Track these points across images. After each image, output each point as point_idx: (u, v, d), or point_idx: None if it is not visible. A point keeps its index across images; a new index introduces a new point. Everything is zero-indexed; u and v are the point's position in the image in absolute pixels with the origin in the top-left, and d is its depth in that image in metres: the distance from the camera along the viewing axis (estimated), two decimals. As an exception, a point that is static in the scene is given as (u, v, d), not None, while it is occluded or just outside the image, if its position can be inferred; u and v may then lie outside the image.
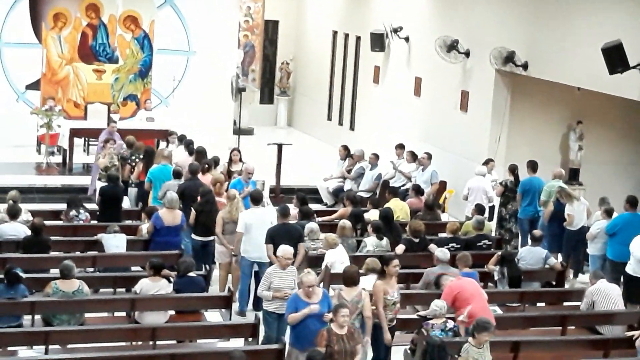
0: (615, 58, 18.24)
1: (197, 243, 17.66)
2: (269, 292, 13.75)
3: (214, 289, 17.24)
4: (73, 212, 18.57)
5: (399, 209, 18.99)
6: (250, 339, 14.10)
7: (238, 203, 17.50)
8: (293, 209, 18.38)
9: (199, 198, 17.93)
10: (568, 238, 19.24)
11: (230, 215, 17.13)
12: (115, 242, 16.83)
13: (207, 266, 17.52)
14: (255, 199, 17.25)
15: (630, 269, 16.65)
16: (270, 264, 15.68)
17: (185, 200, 18.03)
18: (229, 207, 17.34)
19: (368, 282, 14.32)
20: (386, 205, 19.08)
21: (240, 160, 20.94)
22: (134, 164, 20.89)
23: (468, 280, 14.38)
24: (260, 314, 14.70)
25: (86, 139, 25.56)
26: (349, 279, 13.45)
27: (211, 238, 17.66)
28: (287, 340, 13.52)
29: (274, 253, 15.37)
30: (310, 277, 12.88)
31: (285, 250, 14.12)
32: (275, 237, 16.05)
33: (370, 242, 17.31)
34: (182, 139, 22.71)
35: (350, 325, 11.73)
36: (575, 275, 18.99)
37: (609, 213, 18.19)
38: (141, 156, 20.96)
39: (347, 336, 11.43)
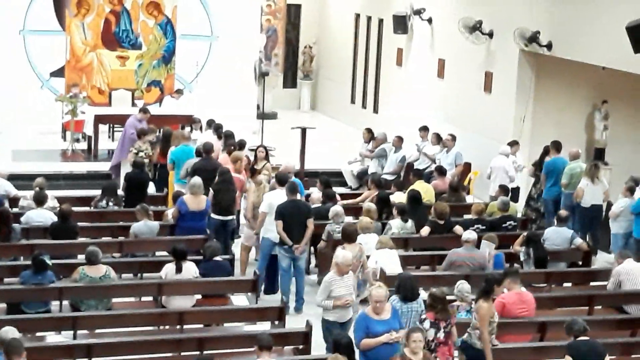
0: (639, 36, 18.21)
1: (217, 222, 17.64)
2: (330, 302, 13.11)
3: (238, 272, 17.28)
4: (102, 203, 18.70)
5: (424, 191, 18.96)
6: (276, 322, 14.15)
7: (265, 188, 17.56)
8: (317, 192, 18.44)
9: (216, 177, 17.94)
10: (580, 215, 19.32)
11: (259, 200, 17.20)
12: (146, 230, 16.95)
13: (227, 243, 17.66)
14: (281, 180, 17.17)
15: (656, 248, 16.66)
16: (282, 243, 16.00)
17: (199, 176, 17.97)
18: (258, 191, 17.40)
19: (364, 240, 15.25)
20: (411, 188, 19.05)
21: (266, 157, 20.57)
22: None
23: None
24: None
25: (111, 125, 25.62)
26: (350, 235, 14.78)
27: (230, 217, 17.79)
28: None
29: (283, 229, 15.83)
30: (381, 290, 12.00)
31: (344, 256, 13.48)
32: (284, 214, 16.14)
33: (395, 225, 17.33)
34: (210, 124, 22.77)
35: (425, 352, 11.11)
36: (595, 254, 18.89)
37: (631, 190, 18.20)
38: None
39: None
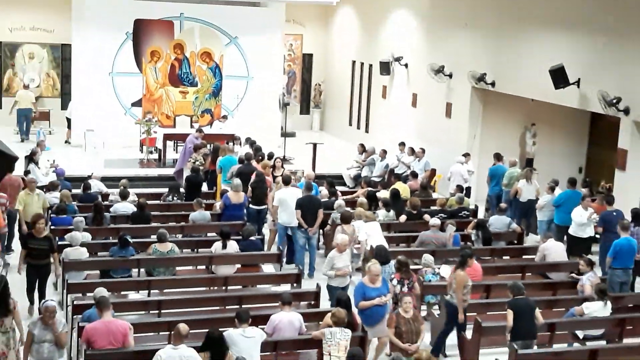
0: (559, 77, 18.21)
1: (253, 210, 17.62)
2: (332, 272, 13.11)
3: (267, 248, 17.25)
4: (169, 198, 18.78)
5: (402, 189, 18.93)
6: (295, 284, 14.18)
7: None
8: (324, 190, 18.43)
9: (252, 177, 17.97)
10: (517, 207, 19.25)
11: None
12: (200, 217, 16.94)
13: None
14: (285, 181, 17.20)
15: (572, 230, 16.60)
16: (300, 226, 16.01)
17: (241, 178, 18.07)
18: (277, 189, 17.40)
19: (357, 224, 15.40)
20: (393, 187, 19.04)
21: (282, 166, 20.32)
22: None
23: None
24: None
25: (175, 141, 25.62)
26: (347, 219, 15.21)
27: (263, 207, 17.72)
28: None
29: (301, 216, 15.98)
30: (378, 266, 11.98)
31: (342, 239, 13.55)
32: (302, 205, 16.19)
33: (381, 214, 17.42)
34: (247, 140, 22.82)
35: (415, 310, 11.02)
36: (527, 235, 18.84)
37: (552, 189, 18.22)
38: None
39: (412, 319, 10.78)
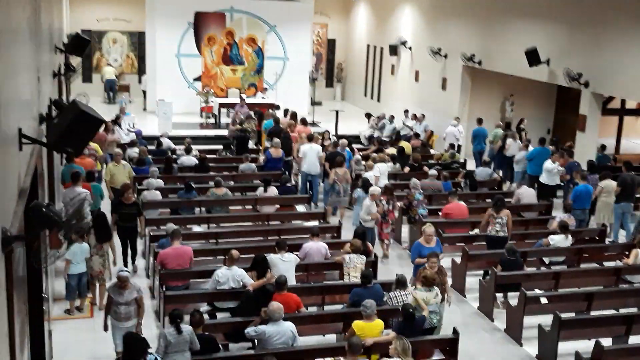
0: (533, 57, 17.98)
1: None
2: (368, 217, 12.92)
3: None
4: (223, 153, 18.81)
5: (406, 147, 18.88)
6: (321, 221, 14.23)
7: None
8: (357, 155, 18.04)
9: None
10: (503, 161, 19.12)
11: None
12: (247, 168, 16.97)
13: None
14: (309, 137, 17.15)
15: (542, 179, 16.48)
16: (325, 175, 15.92)
17: (271, 136, 18.07)
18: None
19: (377, 166, 15.74)
20: (399, 145, 18.98)
21: (329, 138, 18.81)
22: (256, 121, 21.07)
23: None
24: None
25: (228, 108, 25.63)
26: (340, 164, 15.38)
27: (289, 158, 17.67)
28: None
29: (330, 168, 15.78)
30: (431, 229, 10.96)
31: (375, 189, 13.24)
32: (329, 159, 16.20)
33: (389, 166, 17.26)
34: (278, 107, 22.86)
35: (440, 265, 9.95)
36: (504, 183, 18.74)
37: (526, 146, 18.12)
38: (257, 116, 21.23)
39: (437, 272, 9.67)
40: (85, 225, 10.24)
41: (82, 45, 14.23)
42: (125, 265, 12.26)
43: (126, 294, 8.73)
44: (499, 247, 11.90)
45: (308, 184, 16.67)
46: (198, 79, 26.76)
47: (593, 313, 10.45)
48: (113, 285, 8.89)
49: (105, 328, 8.98)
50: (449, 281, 10.99)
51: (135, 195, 13.83)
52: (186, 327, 7.85)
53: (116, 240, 12.11)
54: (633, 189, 14.55)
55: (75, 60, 20.40)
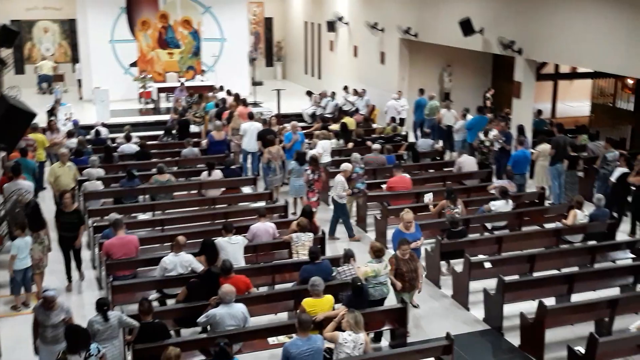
0: (467, 27, 18.17)
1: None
2: (344, 193, 13.15)
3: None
4: (165, 138, 18.56)
5: (349, 122, 18.97)
6: (268, 201, 14.27)
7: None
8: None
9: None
10: (440, 132, 19.42)
11: (236, 126, 17.60)
12: (190, 153, 16.82)
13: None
14: (250, 115, 17.30)
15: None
16: (262, 153, 15.72)
17: (217, 116, 18.21)
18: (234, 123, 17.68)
19: (320, 144, 16.04)
20: (341, 121, 19.04)
21: (277, 123, 18.32)
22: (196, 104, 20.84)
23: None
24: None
25: (167, 93, 25.32)
26: (272, 142, 15.52)
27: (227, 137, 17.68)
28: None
29: (264, 146, 15.68)
30: (410, 215, 10.72)
31: (346, 165, 13.44)
32: (262, 135, 16.16)
33: (333, 142, 17.33)
34: (222, 88, 22.61)
35: (411, 252, 9.71)
36: (445, 152, 18.92)
37: (464, 115, 18.36)
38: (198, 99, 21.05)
39: (409, 259, 9.65)
40: (21, 216, 9.99)
41: (11, 36, 13.86)
42: (69, 278, 11.46)
43: (53, 316, 7.96)
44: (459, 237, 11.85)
45: (249, 159, 16.83)
46: (134, 64, 26.32)
47: (536, 274, 10.73)
48: (39, 305, 8.07)
49: (37, 351, 8.21)
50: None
51: (78, 203, 13.34)
52: (113, 314, 7.78)
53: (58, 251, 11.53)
54: (565, 150, 14.96)
55: (5, 52, 19.79)
